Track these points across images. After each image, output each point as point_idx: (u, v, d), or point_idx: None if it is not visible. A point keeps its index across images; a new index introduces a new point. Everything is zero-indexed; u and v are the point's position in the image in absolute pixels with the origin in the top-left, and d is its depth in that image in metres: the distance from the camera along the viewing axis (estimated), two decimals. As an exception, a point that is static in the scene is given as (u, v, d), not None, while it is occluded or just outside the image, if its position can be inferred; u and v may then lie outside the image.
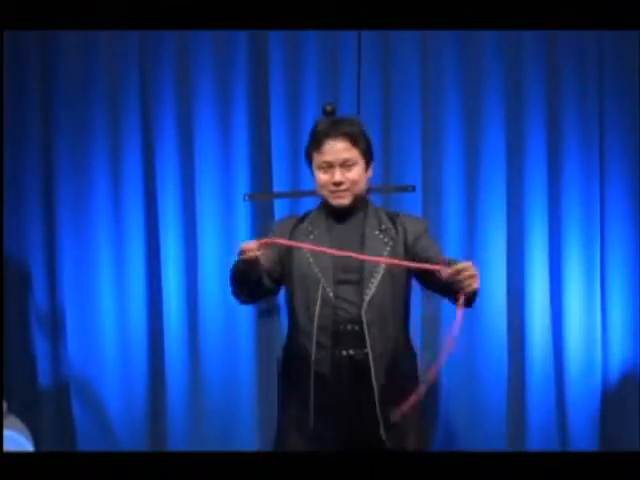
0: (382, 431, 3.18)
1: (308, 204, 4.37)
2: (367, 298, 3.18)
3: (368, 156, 3.32)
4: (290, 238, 3.30)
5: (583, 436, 4.46)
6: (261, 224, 4.55)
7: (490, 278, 4.43)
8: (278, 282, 3.34)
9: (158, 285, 4.57)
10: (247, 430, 4.54)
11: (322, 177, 3.29)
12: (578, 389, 4.47)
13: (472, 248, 4.45)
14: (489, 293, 4.37)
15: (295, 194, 4.47)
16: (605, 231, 4.50)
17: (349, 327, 3.19)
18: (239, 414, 4.53)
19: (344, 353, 3.19)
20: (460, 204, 4.50)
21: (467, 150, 4.50)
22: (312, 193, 4.26)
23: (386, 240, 3.27)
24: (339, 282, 3.21)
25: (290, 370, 3.31)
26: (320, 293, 3.19)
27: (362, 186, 3.32)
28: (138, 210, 4.57)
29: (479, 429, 4.47)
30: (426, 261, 3.17)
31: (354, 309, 3.19)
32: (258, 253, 3.04)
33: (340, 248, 3.20)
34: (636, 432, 4.39)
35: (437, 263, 3.08)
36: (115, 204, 4.57)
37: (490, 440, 4.44)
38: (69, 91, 4.55)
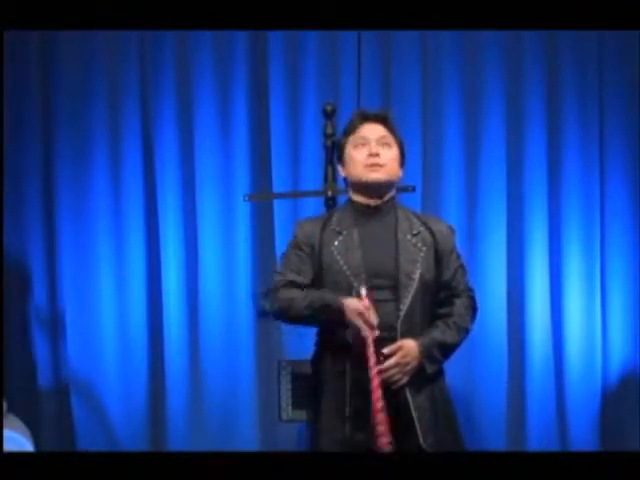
0: (421, 440, 3.10)
1: (308, 204, 4.38)
2: (404, 307, 3.12)
3: (402, 151, 3.26)
4: (320, 242, 3.19)
5: (583, 436, 4.46)
6: (261, 224, 4.55)
7: (490, 278, 4.43)
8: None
9: (158, 285, 4.57)
10: (247, 430, 4.54)
11: (358, 153, 3.21)
12: (578, 389, 4.47)
13: (472, 248, 4.45)
14: (489, 293, 4.37)
15: (295, 194, 4.47)
16: (605, 231, 4.50)
17: (384, 334, 3.08)
18: (239, 414, 4.53)
19: (381, 358, 3.08)
20: (460, 204, 4.50)
21: (467, 150, 4.51)
22: (312, 193, 4.27)
23: (419, 245, 3.18)
24: (371, 288, 3.11)
25: (324, 378, 3.19)
26: None
27: (396, 175, 3.23)
28: (138, 210, 4.57)
29: (479, 429, 4.47)
30: (452, 290, 3.22)
31: (388, 316, 3.10)
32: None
33: (372, 249, 3.15)
34: (636, 432, 4.39)
35: (457, 293, 3.23)
36: (115, 204, 4.57)
37: (490, 440, 4.44)
38: (69, 91, 4.55)
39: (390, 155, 3.21)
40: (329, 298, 3.10)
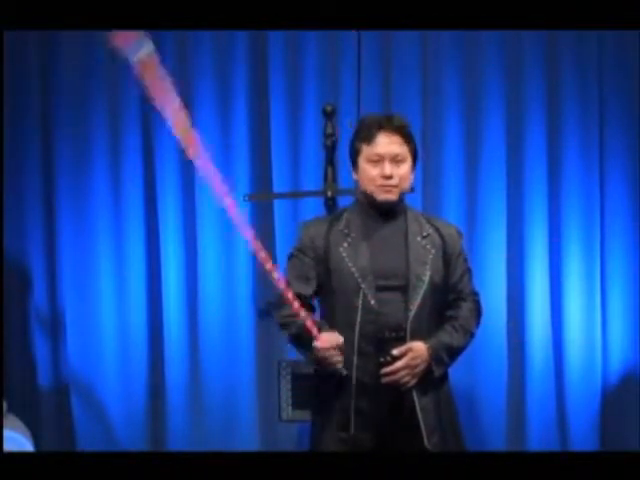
0: (426, 441, 3.13)
1: (308, 204, 4.38)
2: (414, 308, 3.13)
3: (415, 156, 3.26)
4: (326, 242, 3.21)
5: (583, 436, 4.46)
6: (261, 224, 4.55)
7: (490, 278, 4.43)
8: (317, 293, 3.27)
9: (158, 286, 4.57)
10: (247, 430, 4.54)
11: (371, 170, 3.19)
12: (578, 389, 4.47)
13: (472, 248, 4.44)
14: (489, 293, 4.37)
15: (295, 194, 4.47)
16: (605, 231, 4.50)
17: (393, 334, 3.12)
18: (239, 414, 4.53)
19: (389, 359, 3.12)
20: (460, 204, 4.50)
21: (467, 150, 4.51)
22: (312, 193, 4.27)
23: (428, 247, 3.21)
24: (380, 288, 3.14)
25: (329, 378, 3.19)
26: (361, 300, 3.13)
27: (408, 185, 3.25)
28: (138, 211, 4.57)
29: (479, 429, 4.47)
30: (458, 293, 3.26)
31: (397, 317, 3.13)
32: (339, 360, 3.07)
33: (381, 251, 3.17)
34: (636, 432, 4.39)
35: (464, 297, 3.27)
36: (115, 205, 4.57)
37: (490, 440, 4.44)
38: (69, 92, 4.55)
39: (403, 172, 3.20)
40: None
